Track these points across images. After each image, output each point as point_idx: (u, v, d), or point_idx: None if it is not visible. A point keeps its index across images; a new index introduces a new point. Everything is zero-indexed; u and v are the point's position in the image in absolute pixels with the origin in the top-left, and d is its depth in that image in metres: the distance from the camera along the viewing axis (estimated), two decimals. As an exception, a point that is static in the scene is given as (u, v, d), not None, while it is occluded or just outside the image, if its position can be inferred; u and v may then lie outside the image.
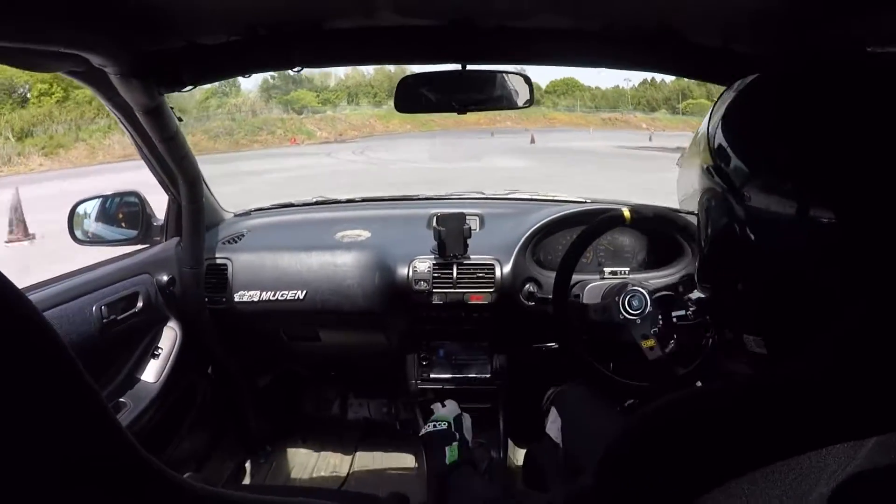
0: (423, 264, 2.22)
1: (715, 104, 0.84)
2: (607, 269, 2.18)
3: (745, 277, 0.79)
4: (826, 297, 0.68)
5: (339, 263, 2.28)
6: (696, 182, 0.85)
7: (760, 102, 0.78)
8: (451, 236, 2.18)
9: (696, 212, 0.88)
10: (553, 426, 1.78)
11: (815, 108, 0.70)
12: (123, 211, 2.20)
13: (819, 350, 0.65)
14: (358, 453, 2.83)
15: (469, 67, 1.56)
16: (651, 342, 1.76)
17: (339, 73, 69.95)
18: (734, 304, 0.83)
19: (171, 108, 1.78)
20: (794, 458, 0.58)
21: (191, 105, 46.70)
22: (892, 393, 0.58)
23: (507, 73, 1.60)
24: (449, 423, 1.65)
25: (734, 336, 0.86)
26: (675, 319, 1.77)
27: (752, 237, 0.74)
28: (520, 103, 1.63)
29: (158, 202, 2.27)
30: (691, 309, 1.77)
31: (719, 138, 0.79)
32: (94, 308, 1.75)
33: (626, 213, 1.78)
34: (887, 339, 0.59)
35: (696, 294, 1.86)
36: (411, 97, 1.62)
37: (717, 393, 0.71)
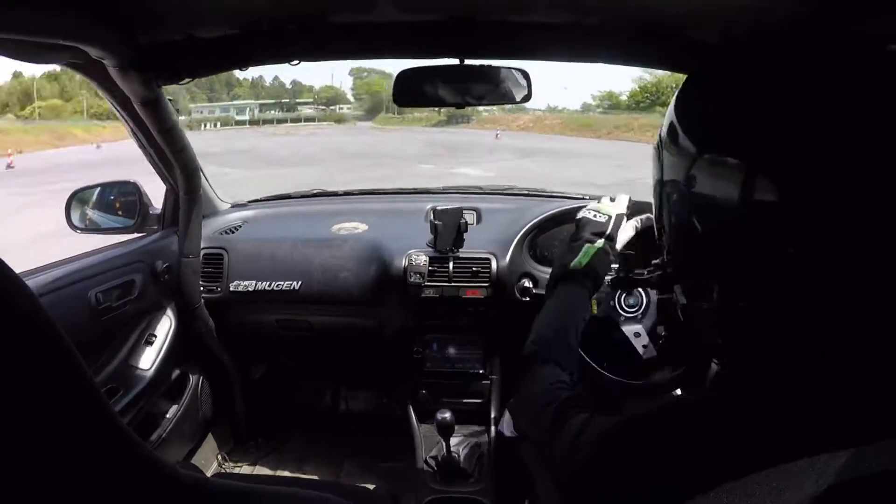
0: (419, 258, 2.22)
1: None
2: None
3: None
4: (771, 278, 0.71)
5: (336, 255, 2.29)
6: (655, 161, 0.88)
7: (706, 83, 0.82)
8: (447, 230, 2.18)
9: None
10: (506, 425, 1.77)
11: (759, 86, 0.72)
12: (121, 200, 2.22)
13: (791, 361, 0.66)
14: (348, 446, 2.83)
15: (467, 62, 1.56)
16: (645, 339, 1.77)
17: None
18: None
19: (170, 100, 1.79)
20: (768, 469, 0.58)
21: None
22: (864, 405, 0.58)
23: (506, 67, 1.60)
24: (609, 218, 1.48)
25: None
26: (633, 273, 1.76)
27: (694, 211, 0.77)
28: (518, 98, 1.63)
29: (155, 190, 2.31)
30: (650, 268, 1.78)
31: (672, 120, 0.81)
32: (89, 294, 1.77)
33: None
34: (857, 348, 0.60)
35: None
36: (410, 91, 1.61)
37: (686, 406, 0.72)
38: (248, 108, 71.74)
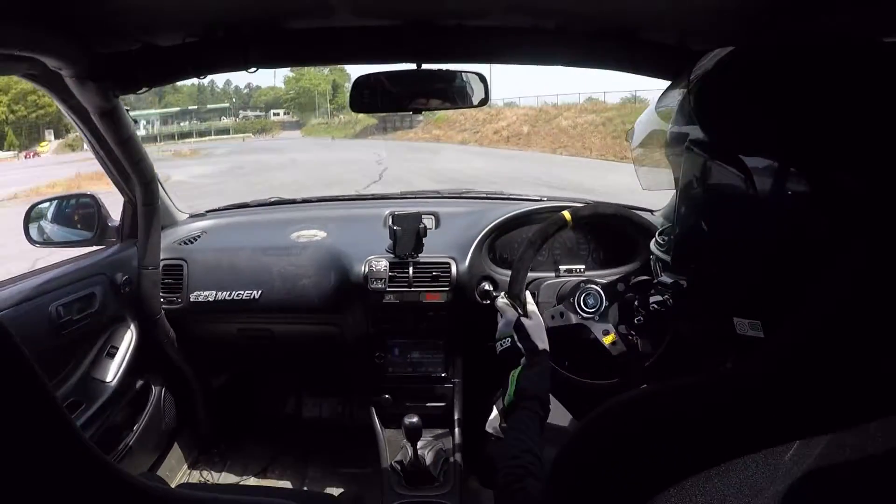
0: (379, 264, 2.23)
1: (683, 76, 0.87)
2: (563, 267, 2.20)
3: (727, 257, 0.80)
4: (805, 272, 0.70)
5: (295, 263, 2.31)
6: (673, 158, 0.87)
7: (748, 74, 0.79)
8: (406, 235, 2.19)
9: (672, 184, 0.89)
10: (491, 423, 1.79)
11: (802, 83, 0.72)
12: (79, 213, 2.21)
13: (771, 349, 0.68)
14: (312, 452, 2.84)
15: (424, 66, 1.58)
16: (612, 337, 1.77)
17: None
18: (722, 286, 0.84)
19: (127, 110, 1.79)
20: (748, 455, 0.59)
21: None
22: (843, 392, 0.61)
23: (462, 71, 1.63)
24: (511, 338, 1.58)
25: (708, 323, 0.91)
26: (653, 306, 1.75)
27: (735, 211, 0.75)
28: (475, 102, 1.65)
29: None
30: (668, 294, 1.79)
31: (703, 111, 0.81)
32: (50, 308, 1.76)
33: (567, 215, 1.78)
34: (840, 339, 0.62)
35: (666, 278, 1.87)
36: (365, 97, 1.62)
37: (667, 393, 0.73)
38: (145, 121, 55.71)
